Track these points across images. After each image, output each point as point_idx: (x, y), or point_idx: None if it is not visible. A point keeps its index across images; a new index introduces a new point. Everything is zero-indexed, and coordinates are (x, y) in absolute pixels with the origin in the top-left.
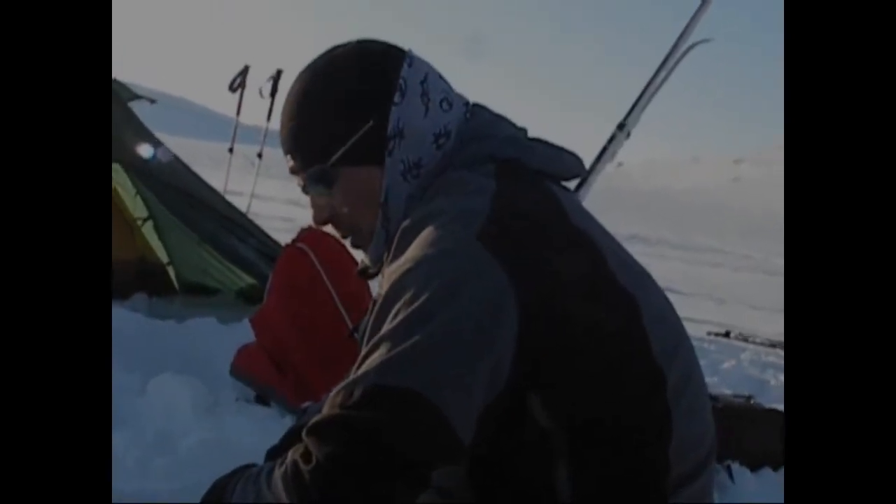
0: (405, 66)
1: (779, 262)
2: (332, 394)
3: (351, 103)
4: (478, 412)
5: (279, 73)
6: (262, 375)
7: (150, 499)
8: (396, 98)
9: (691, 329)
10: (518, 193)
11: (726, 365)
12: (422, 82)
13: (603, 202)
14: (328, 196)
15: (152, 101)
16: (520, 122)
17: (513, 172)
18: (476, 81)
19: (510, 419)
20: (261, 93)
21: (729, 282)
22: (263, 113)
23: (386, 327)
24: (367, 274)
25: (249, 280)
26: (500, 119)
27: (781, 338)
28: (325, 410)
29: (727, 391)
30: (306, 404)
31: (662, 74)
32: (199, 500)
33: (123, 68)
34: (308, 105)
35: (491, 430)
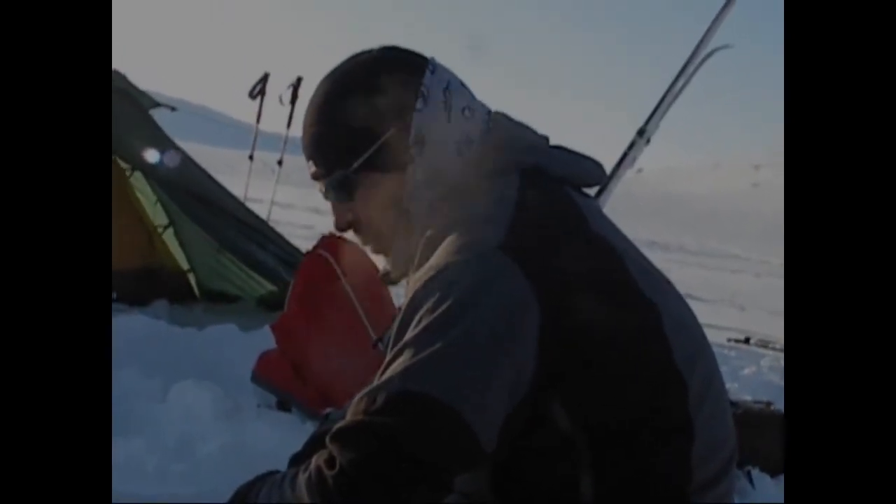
0: (427, 73)
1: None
2: (355, 400)
3: (373, 110)
4: (500, 417)
5: (299, 80)
6: (283, 382)
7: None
8: (419, 105)
9: (711, 335)
10: (539, 201)
11: (746, 371)
12: (444, 90)
13: (622, 208)
14: (350, 202)
15: (173, 109)
16: (539, 129)
17: (534, 180)
18: (494, 86)
19: (533, 425)
20: (281, 100)
21: (749, 288)
22: (283, 120)
23: (409, 334)
24: (389, 280)
25: (270, 287)
26: (522, 127)
27: None
28: (349, 416)
29: (747, 397)
30: (327, 410)
31: (682, 80)
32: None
33: (144, 76)
34: (331, 111)
35: (514, 436)
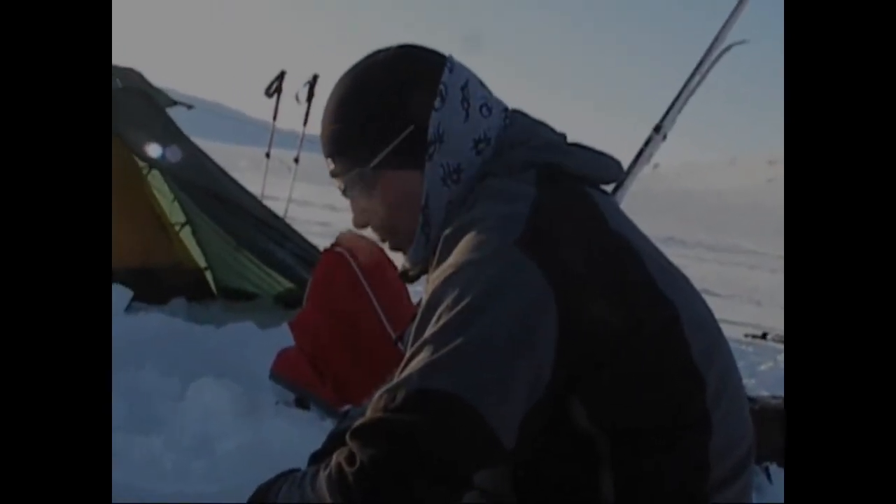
0: (446, 71)
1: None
2: (375, 397)
3: (392, 108)
4: (520, 415)
5: (315, 78)
6: (302, 379)
7: (189, 501)
8: (437, 103)
9: (728, 331)
10: (557, 199)
11: (763, 367)
12: (462, 88)
13: (639, 204)
14: (368, 199)
15: (189, 107)
16: (554, 126)
17: (552, 178)
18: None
19: (553, 422)
20: (297, 98)
21: (766, 283)
22: (299, 118)
23: (429, 331)
24: (407, 277)
25: (287, 284)
26: (540, 124)
27: None
28: (369, 414)
29: (765, 393)
30: (346, 408)
31: (698, 77)
32: (239, 503)
33: (160, 74)
34: (349, 109)
35: (534, 433)
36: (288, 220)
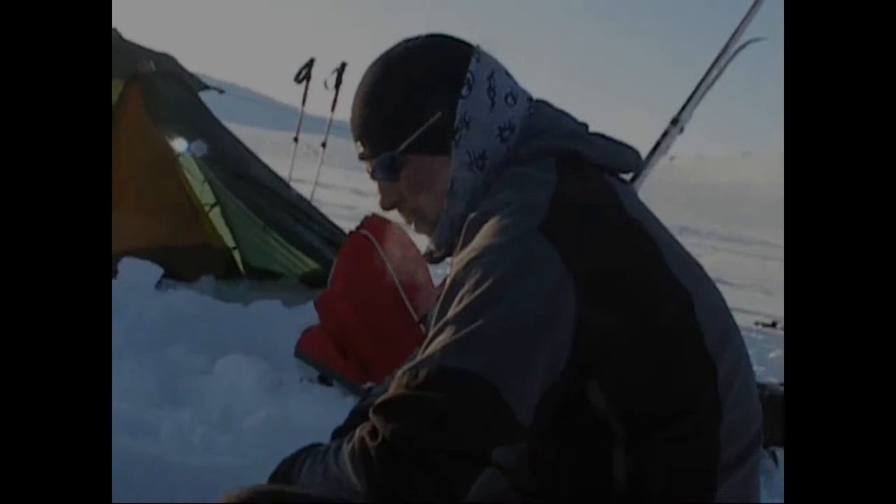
0: (473, 60)
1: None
2: (397, 374)
3: (420, 94)
4: (537, 395)
5: (343, 65)
6: (325, 357)
7: (216, 474)
8: (464, 91)
9: (739, 319)
10: (578, 187)
11: (773, 354)
12: (489, 77)
13: (655, 195)
14: (395, 183)
15: (221, 92)
16: (576, 116)
17: (573, 166)
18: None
19: (569, 403)
20: (325, 84)
21: (777, 274)
22: (327, 104)
23: (451, 312)
24: (432, 259)
25: (313, 265)
26: (562, 114)
27: None
28: (392, 390)
29: (773, 380)
30: (368, 385)
31: (715, 72)
32: (263, 476)
33: (192, 60)
34: (380, 95)
35: (550, 413)
36: (314, 203)
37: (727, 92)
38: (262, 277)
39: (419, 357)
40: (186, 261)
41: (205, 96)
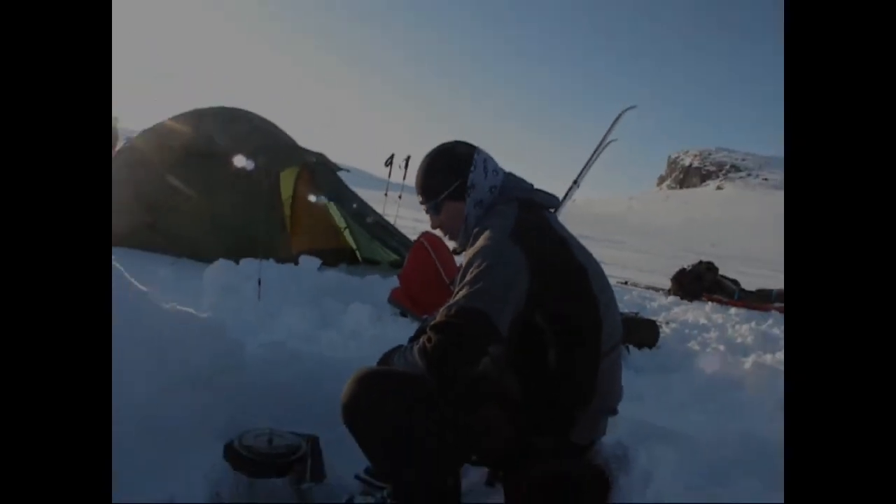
0: (476, 154)
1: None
2: (440, 311)
3: (449, 171)
4: (509, 319)
5: (408, 157)
6: (404, 303)
7: (349, 363)
8: (472, 169)
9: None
10: (530, 216)
11: (626, 297)
12: (484, 161)
13: (566, 220)
14: (438, 215)
15: (348, 171)
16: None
17: (527, 206)
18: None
19: (527, 324)
20: (400, 166)
21: (627, 257)
22: (401, 176)
23: (465, 279)
24: (456, 252)
25: (395, 257)
26: (521, 180)
27: (648, 281)
28: (438, 318)
29: (625, 310)
30: (425, 317)
31: (597, 154)
32: (373, 363)
33: (333, 153)
34: (429, 172)
35: (517, 329)
36: (396, 226)
37: (606, 160)
38: (370, 263)
39: (450, 301)
40: (332, 256)
41: (341, 174)
